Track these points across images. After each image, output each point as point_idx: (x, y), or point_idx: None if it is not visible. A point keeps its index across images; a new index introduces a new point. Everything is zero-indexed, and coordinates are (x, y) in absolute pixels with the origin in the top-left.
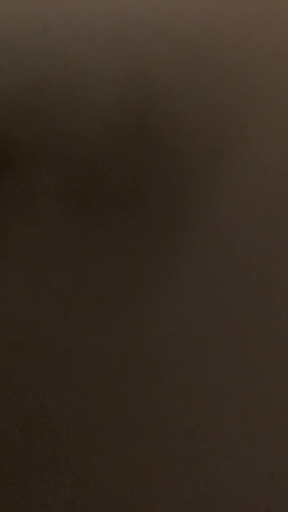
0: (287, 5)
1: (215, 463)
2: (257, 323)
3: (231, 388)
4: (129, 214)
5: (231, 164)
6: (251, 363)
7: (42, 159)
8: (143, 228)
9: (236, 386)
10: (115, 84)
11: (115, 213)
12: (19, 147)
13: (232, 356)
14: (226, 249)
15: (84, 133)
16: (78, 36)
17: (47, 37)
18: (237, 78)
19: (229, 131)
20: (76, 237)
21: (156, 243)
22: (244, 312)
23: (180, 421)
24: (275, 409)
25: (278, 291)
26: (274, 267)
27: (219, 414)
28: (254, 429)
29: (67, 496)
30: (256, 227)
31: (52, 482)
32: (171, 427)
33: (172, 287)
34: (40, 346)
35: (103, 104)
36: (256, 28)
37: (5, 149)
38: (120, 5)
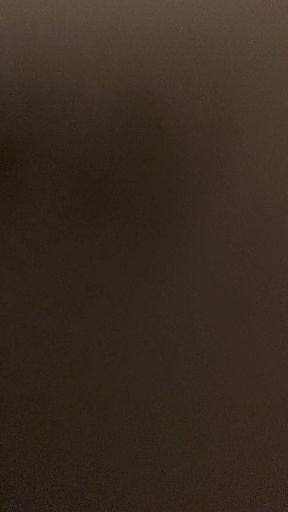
0: (287, 5)
1: (214, 462)
2: (258, 324)
3: (231, 387)
4: (129, 215)
5: (231, 166)
6: (252, 362)
7: (41, 161)
8: (143, 229)
9: (236, 384)
10: (116, 86)
11: (114, 214)
12: (18, 148)
13: (232, 354)
14: (226, 251)
15: (84, 135)
16: (78, 37)
17: (48, 37)
18: (238, 80)
19: (230, 133)
20: (75, 238)
21: (156, 244)
22: (244, 312)
23: (179, 421)
24: (276, 410)
25: (279, 293)
26: (275, 269)
27: (219, 414)
28: (254, 429)
29: (66, 499)
30: (256, 229)
31: (50, 483)
32: (170, 427)
33: (172, 288)
34: (39, 346)
35: (103, 105)
36: (258, 30)
37: (4, 150)
38: (122, 6)
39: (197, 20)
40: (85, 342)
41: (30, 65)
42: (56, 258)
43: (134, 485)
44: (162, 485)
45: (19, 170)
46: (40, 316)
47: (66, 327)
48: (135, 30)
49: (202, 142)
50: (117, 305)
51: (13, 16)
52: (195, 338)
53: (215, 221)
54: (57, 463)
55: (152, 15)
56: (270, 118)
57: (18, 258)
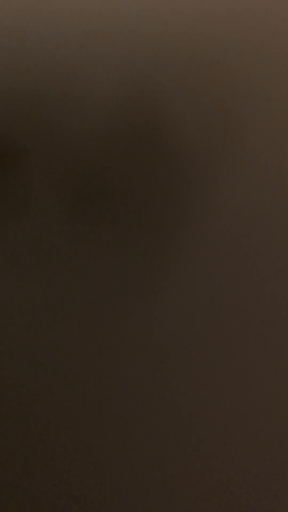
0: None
1: (216, 467)
2: (258, 327)
3: (231, 393)
4: (129, 216)
5: (232, 169)
6: (252, 368)
7: (41, 162)
8: (144, 229)
9: (236, 391)
10: (116, 86)
11: (114, 216)
12: (17, 149)
13: (233, 362)
14: (227, 255)
15: (84, 135)
16: (78, 37)
17: (48, 37)
18: (240, 81)
19: (230, 135)
20: (75, 239)
21: (156, 246)
22: (245, 318)
23: (179, 427)
24: (276, 412)
25: (280, 296)
26: (276, 272)
27: (219, 419)
28: (255, 433)
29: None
30: (257, 231)
31: (51, 487)
32: (171, 433)
33: (172, 290)
34: (37, 351)
35: (104, 106)
36: (259, 30)
37: (4, 151)
38: (122, 5)
39: (198, 19)
40: (85, 344)
41: (31, 64)
42: (56, 259)
43: (134, 488)
44: (164, 490)
45: (19, 170)
46: (40, 318)
47: (66, 329)
48: (136, 29)
49: (204, 143)
50: (118, 308)
51: (13, 16)
52: (196, 341)
53: (216, 222)
54: (56, 468)
55: (153, 13)
56: (272, 120)
57: (17, 260)
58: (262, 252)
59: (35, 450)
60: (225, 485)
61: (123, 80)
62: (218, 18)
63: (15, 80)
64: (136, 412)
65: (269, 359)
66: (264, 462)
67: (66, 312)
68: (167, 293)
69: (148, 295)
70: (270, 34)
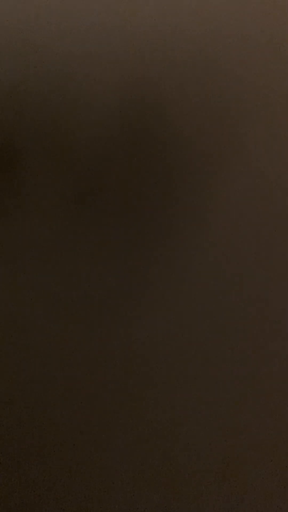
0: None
1: (215, 467)
2: (258, 327)
3: (231, 392)
4: (129, 216)
5: (231, 168)
6: (251, 367)
7: (41, 162)
8: (143, 230)
9: (236, 390)
10: (116, 85)
11: (114, 216)
12: (17, 150)
13: (232, 361)
14: (227, 253)
15: (84, 135)
16: (78, 37)
17: (48, 37)
18: (239, 81)
19: (230, 135)
20: (75, 239)
21: (156, 246)
22: (245, 317)
23: (179, 426)
24: (276, 411)
25: (279, 296)
26: (275, 271)
27: (219, 420)
28: (255, 432)
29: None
30: (257, 230)
31: (50, 485)
32: (170, 432)
33: (172, 291)
34: (38, 350)
35: (104, 106)
36: (260, 31)
37: (4, 151)
38: (122, 5)
39: (198, 19)
40: (85, 346)
41: (29, 63)
42: (55, 260)
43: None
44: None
45: (17, 170)
46: (39, 320)
47: (66, 328)
48: (136, 29)
49: (203, 144)
50: (117, 306)
51: (12, 15)
52: (196, 343)
53: (216, 223)
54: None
55: (154, 12)
56: (271, 122)
57: (17, 259)
58: (261, 251)
59: (33, 448)
60: (224, 485)
61: (122, 81)
62: (218, 17)
63: (14, 80)
64: (134, 410)
65: (269, 358)
66: (264, 463)
67: (66, 311)
68: (167, 292)
69: (149, 293)
70: (270, 33)
